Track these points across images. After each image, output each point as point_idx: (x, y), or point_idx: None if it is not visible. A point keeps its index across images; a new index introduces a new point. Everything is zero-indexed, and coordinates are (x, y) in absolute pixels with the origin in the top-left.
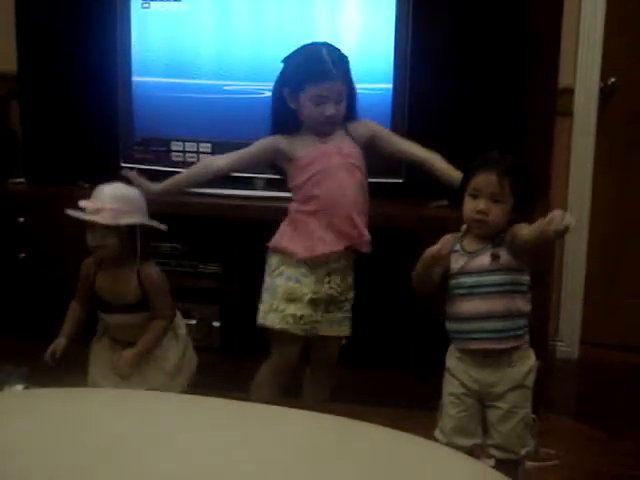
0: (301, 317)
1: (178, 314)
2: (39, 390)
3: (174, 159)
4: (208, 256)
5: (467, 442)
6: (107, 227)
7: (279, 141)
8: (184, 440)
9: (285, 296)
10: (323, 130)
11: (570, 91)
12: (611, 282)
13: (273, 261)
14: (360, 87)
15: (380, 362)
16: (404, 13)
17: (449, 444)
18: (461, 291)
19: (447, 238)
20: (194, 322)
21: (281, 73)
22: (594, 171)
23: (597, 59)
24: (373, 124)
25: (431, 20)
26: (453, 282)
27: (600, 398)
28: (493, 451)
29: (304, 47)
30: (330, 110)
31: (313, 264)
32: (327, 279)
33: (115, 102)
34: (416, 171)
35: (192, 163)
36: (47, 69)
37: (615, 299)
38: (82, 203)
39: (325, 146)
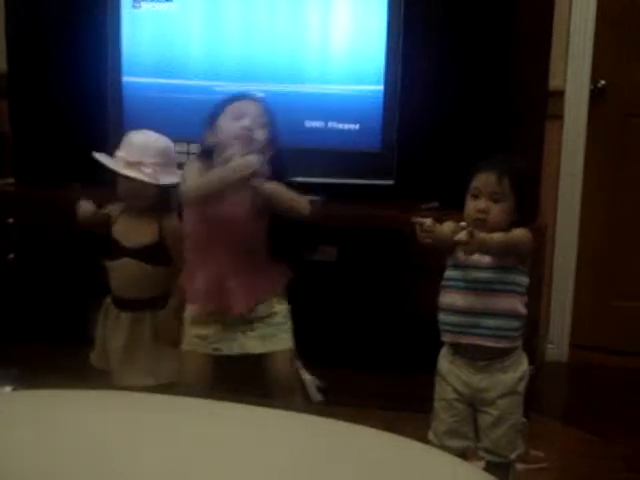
0: (206, 337)
1: None
2: (28, 392)
3: None
4: None
5: (459, 444)
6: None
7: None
8: (174, 442)
9: (190, 320)
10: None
11: (560, 93)
12: (601, 285)
13: None
14: (351, 89)
15: (372, 364)
16: (396, 15)
17: (442, 446)
18: (460, 284)
19: (454, 225)
20: None
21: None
22: (584, 173)
23: (587, 62)
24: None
25: (422, 22)
26: (453, 273)
27: (590, 401)
28: (483, 454)
29: None
30: (246, 121)
31: None
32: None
33: (105, 102)
34: (407, 173)
35: (182, 164)
36: (37, 68)
37: (605, 302)
38: (119, 153)
39: (220, 207)
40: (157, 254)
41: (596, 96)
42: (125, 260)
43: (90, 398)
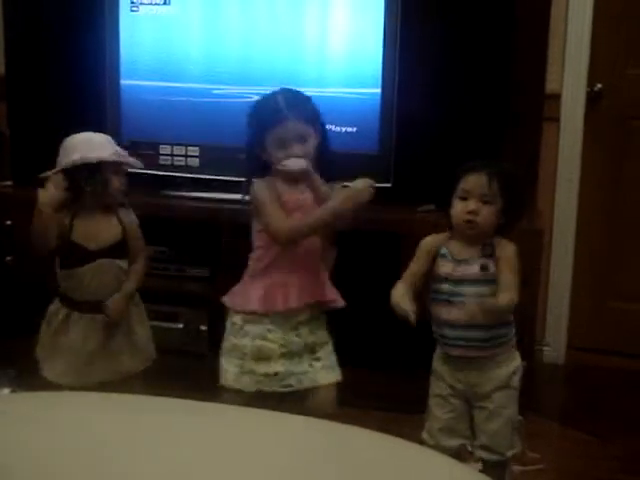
0: (276, 374)
1: None
2: (26, 394)
3: (162, 162)
4: (195, 259)
5: (454, 443)
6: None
7: (272, 182)
8: (173, 443)
9: (254, 356)
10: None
11: (557, 96)
12: (598, 287)
13: (237, 319)
14: (348, 91)
15: (370, 365)
16: (393, 18)
17: (436, 445)
18: (446, 297)
19: (427, 242)
20: (181, 326)
21: (248, 128)
22: (581, 176)
23: (584, 65)
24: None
25: (419, 25)
26: (438, 286)
27: (586, 402)
28: (479, 452)
29: (262, 97)
30: (292, 150)
31: (276, 317)
32: (295, 332)
33: (103, 105)
34: (404, 175)
35: (180, 167)
36: (35, 71)
37: (602, 303)
38: (115, 149)
39: (304, 196)
40: (124, 249)
41: (593, 99)
42: (99, 262)
43: (90, 399)
